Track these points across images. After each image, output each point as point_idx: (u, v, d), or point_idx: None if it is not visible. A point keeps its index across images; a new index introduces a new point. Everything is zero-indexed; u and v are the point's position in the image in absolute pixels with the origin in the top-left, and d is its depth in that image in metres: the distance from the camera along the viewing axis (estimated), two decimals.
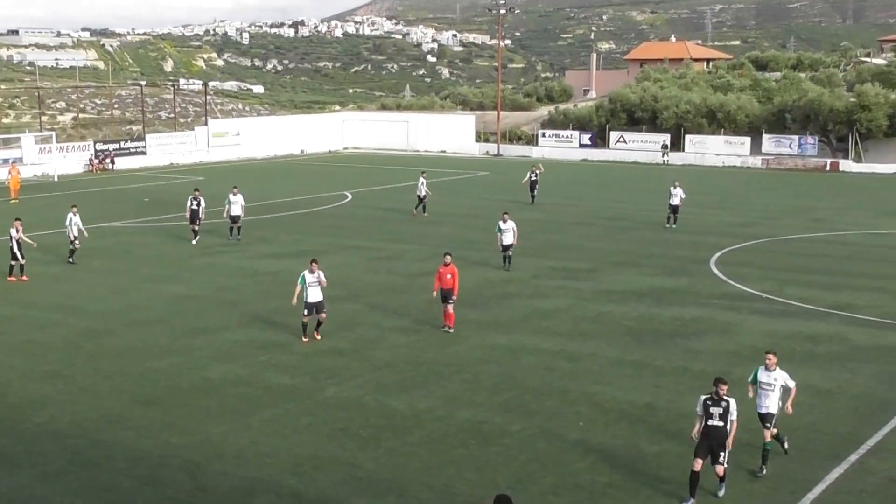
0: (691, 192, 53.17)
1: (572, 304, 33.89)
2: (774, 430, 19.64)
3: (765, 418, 19.62)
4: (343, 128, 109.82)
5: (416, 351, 27.78)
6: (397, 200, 62.78)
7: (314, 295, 28.43)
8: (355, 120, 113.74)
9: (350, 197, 65.05)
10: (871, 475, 19.40)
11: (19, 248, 37.39)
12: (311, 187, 69.46)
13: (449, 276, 30.30)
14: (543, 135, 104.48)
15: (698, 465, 18.04)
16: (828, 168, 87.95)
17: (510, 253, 39.40)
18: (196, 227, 46.38)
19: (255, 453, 20.16)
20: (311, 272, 28.44)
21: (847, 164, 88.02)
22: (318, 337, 28.62)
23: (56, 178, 75.02)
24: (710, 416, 18.15)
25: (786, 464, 19.82)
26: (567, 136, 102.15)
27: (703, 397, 18.48)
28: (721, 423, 18.13)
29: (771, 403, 19.64)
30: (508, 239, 39.15)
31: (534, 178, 61.25)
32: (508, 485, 18.61)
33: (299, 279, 28.52)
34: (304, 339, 28.44)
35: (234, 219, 46.86)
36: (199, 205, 46.33)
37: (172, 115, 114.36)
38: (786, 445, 20.03)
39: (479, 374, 25.80)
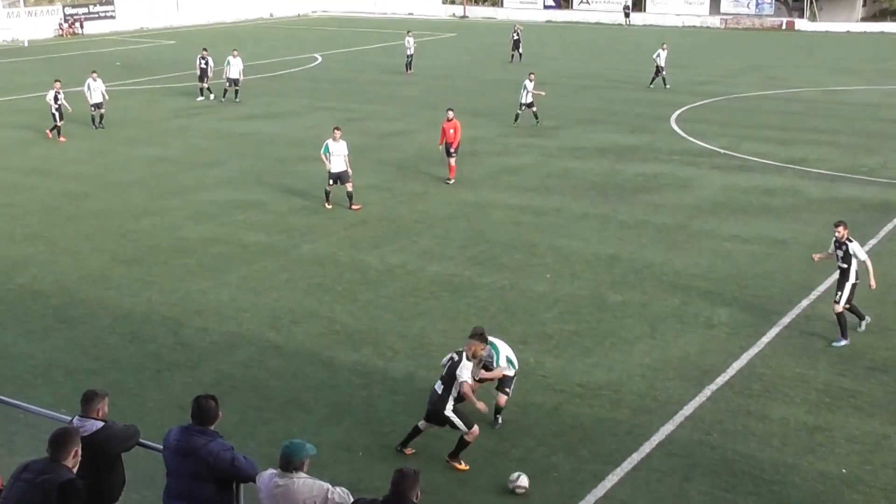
0: (652, 53, 52.61)
1: (538, 161, 33.74)
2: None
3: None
4: None
5: (388, 208, 27.63)
6: (367, 62, 61.92)
7: (337, 165, 27.44)
8: None
9: (320, 59, 64.04)
10: (821, 319, 19.58)
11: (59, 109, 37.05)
12: (281, 50, 68.26)
13: (452, 131, 30.37)
14: None
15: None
16: (784, 27, 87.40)
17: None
18: (204, 86, 46.52)
19: (234, 309, 20.11)
20: (335, 140, 27.53)
21: (802, 23, 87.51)
22: (355, 208, 27.45)
23: (27, 44, 73.26)
24: (837, 257, 18.75)
25: (742, 310, 20.01)
26: None
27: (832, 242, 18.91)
28: (845, 266, 18.53)
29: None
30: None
31: (516, 38, 62.11)
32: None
33: (322, 149, 27.82)
34: (326, 206, 27.65)
35: (233, 81, 46.35)
36: (206, 64, 46.39)
37: None
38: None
39: (450, 229, 25.74)
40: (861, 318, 18.81)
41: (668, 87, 50.18)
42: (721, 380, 16.88)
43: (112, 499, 9.98)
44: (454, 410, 13.62)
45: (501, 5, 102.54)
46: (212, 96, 46.73)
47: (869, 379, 16.96)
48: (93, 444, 9.48)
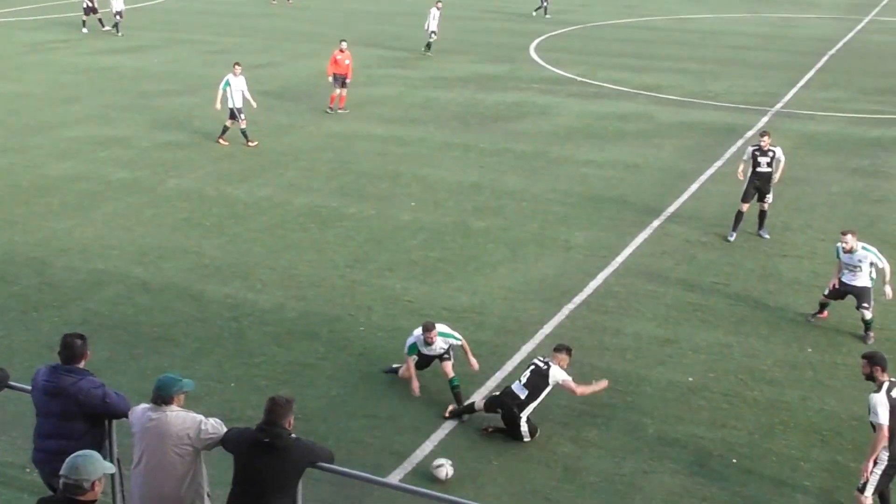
0: None
1: (402, 92, 33.72)
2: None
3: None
4: None
5: (255, 141, 27.27)
6: None
7: (238, 100, 26.86)
8: None
9: None
10: (670, 238, 20.32)
11: None
12: None
13: (347, 62, 30.49)
14: None
15: (744, 207, 20.20)
16: None
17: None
18: (87, 17, 45.73)
19: (101, 246, 19.71)
20: (235, 75, 26.86)
21: None
22: (252, 144, 26.91)
23: None
24: (757, 164, 20.03)
25: (598, 232, 20.54)
26: None
27: (751, 148, 20.38)
28: (769, 170, 20.10)
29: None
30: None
31: None
32: (347, 264, 18.80)
33: (222, 84, 27.02)
34: (221, 142, 27.03)
35: (118, 13, 45.21)
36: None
37: None
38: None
39: (316, 161, 25.63)
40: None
41: (548, 17, 50.39)
42: (578, 299, 17.37)
43: None
44: (527, 420, 13.00)
45: None
46: (106, 27, 45.73)
47: (713, 294, 17.66)
48: None
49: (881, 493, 11.12)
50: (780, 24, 50.14)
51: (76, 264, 18.82)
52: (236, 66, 27.29)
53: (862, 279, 16.06)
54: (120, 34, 44.90)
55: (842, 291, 16.33)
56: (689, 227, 20.90)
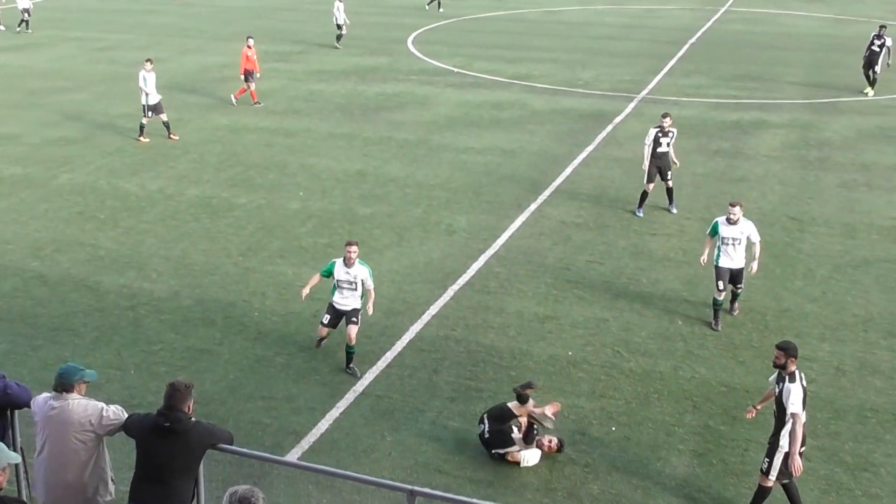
0: None
1: (286, 85, 33.40)
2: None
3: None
4: None
5: (144, 135, 26.71)
6: None
7: (154, 96, 26.21)
8: None
9: None
10: (547, 219, 20.62)
11: None
12: None
13: (255, 58, 30.28)
14: None
15: (650, 187, 20.79)
16: None
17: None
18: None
19: None
20: (148, 71, 26.08)
21: None
22: (174, 138, 26.32)
23: None
24: (659, 144, 20.53)
25: (479, 215, 20.71)
26: None
27: (653, 129, 20.76)
28: (667, 150, 20.67)
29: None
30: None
31: None
32: (239, 252, 18.63)
33: (140, 81, 26.19)
34: (142, 139, 26.09)
35: (25, 10, 43.83)
36: None
37: None
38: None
39: (205, 153, 25.26)
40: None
41: (441, 10, 50.40)
42: (462, 280, 17.53)
43: None
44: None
45: None
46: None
47: (589, 272, 18.00)
48: None
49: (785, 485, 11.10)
50: (642, 14, 51.03)
51: None
52: (147, 63, 26.55)
53: (739, 257, 15.78)
54: (30, 31, 43.51)
55: (730, 277, 15.86)
56: (564, 209, 21.22)
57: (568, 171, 23.89)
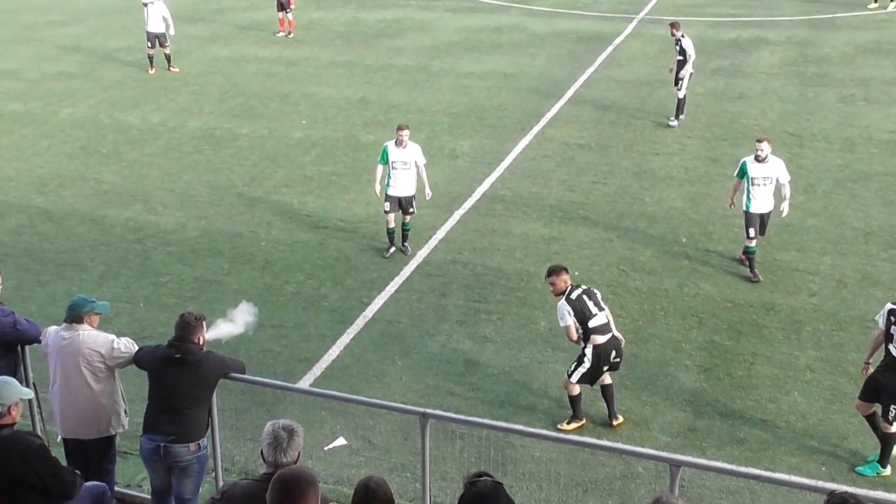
0: None
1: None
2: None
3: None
4: None
5: (144, 68, 26.35)
6: None
7: (156, 25, 25.49)
8: None
9: None
10: (550, 142, 20.38)
11: None
12: None
13: None
14: None
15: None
16: None
17: None
18: None
19: None
20: (154, 3, 25.33)
21: None
22: (174, 70, 25.74)
23: None
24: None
25: (482, 139, 20.48)
26: None
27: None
28: (681, 58, 20.74)
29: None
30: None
31: None
32: (244, 182, 18.45)
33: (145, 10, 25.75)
34: (151, 71, 25.58)
35: None
36: None
37: None
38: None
39: (206, 85, 24.93)
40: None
41: None
42: (468, 204, 17.35)
43: None
44: None
45: None
46: None
47: (592, 192, 17.80)
48: None
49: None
50: None
51: None
52: None
53: (768, 198, 14.40)
54: None
55: (760, 223, 14.55)
56: (566, 131, 20.95)
57: (569, 93, 23.56)
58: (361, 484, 5.93)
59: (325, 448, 10.84)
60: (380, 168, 15.30)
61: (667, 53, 26.91)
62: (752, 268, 14.70)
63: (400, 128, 15.21)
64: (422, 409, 8.18)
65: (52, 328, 8.77)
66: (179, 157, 19.91)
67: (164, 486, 8.65)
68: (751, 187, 14.48)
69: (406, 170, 15.04)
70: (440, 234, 16.19)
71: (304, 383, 12.00)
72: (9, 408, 6.96)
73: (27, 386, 8.79)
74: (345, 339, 13.11)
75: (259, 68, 26.35)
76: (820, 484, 7.41)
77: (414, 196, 15.25)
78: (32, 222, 16.96)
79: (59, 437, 8.97)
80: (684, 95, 21.15)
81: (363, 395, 11.01)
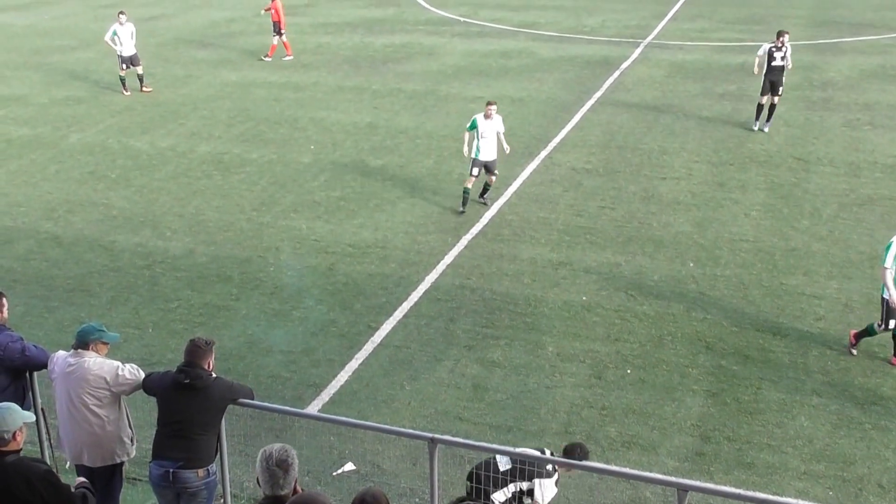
0: None
1: (293, 39, 32.94)
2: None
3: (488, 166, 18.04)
4: None
5: (153, 92, 26.54)
6: None
7: (128, 49, 26.04)
8: None
9: None
10: (557, 166, 20.42)
11: None
12: None
13: (273, 11, 30.08)
14: None
15: (764, 99, 22.29)
16: None
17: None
18: None
19: (7, 204, 19.00)
20: (121, 24, 25.91)
21: None
22: (147, 90, 26.00)
23: None
24: (772, 58, 22.00)
25: None
26: None
27: (767, 45, 22.34)
28: (782, 63, 22.02)
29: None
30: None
31: None
32: (253, 207, 18.50)
33: (109, 34, 26.13)
34: (125, 92, 26.26)
35: None
36: None
37: None
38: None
39: (215, 109, 25.05)
40: None
41: None
42: (475, 229, 17.37)
43: None
44: None
45: None
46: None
47: (600, 217, 17.83)
48: None
49: None
50: None
51: None
52: (121, 15, 26.48)
53: None
54: None
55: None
56: (573, 156, 21.01)
57: (577, 118, 23.63)
58: (359, 496, 6.00)
59: (334, 473, 10.85)
60: (467, 134, 18.11)
61: (673, 77, 27.09)
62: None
63: (489, 103, 18.00)
64: (430, 435, 8.17)
65: (61, 353, 8.79)
66: (188, 182, 20.00)
67: None
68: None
69: (493, 139, 17.88)
70: (448, 259, 16.21)
71: (313, 409, 11.99)
72: (13, 433, 6.95)
73: (35, 412, 8.83)
74: (353, 365, 13.12)
75: (268, 93, 26.48)
76: None
77: (496, 160, 18.07)
78: (41, 248, 17.02)
79: (68, 462, 8.99)
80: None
81: (372, 421, 11.03)
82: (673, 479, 8.08)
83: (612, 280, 15.40)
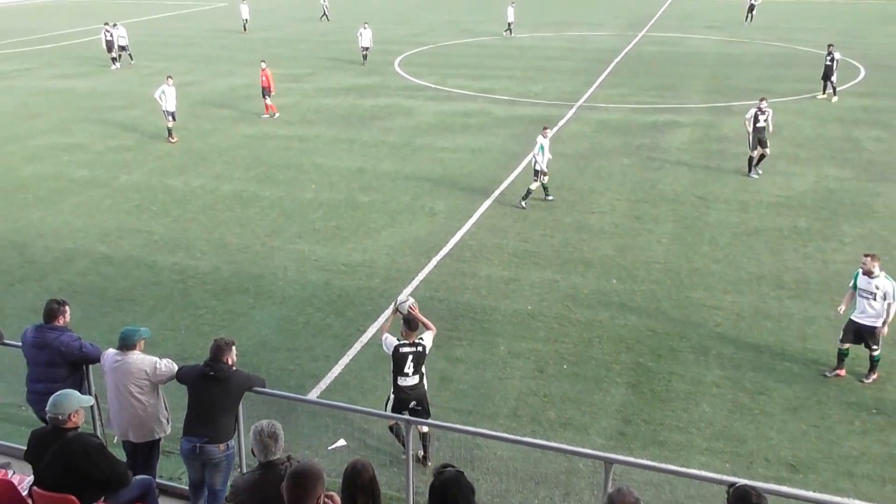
0: (379, 17, 51.70)
1: (299, 100, 33.00)
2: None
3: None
4: None
5: (186, 143, 26.39)
6: (157, 29, 58.08)
7: (171, 104, 25.80)
8: None
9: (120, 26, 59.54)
10: (509, 203, 20.44)
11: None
12: (84, 21, 62.80)
13: (263, 78, 29.68)
14: None
15: (755, 153, 22.10)
16: None
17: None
18: (113, 55, 41.42)
19: (69, 230, 18.84)
20: (169, 86, 25.93)
21: None
22: (173, 141, 25.87)
23: None
24: (758, 120, 21.85)
25: (454, 200, 20.52)
26: None
27: (752, 109, 22.06)
28: (765, 125, 21.85)
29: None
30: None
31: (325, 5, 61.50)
32: (266, 234, 18.40)
33: (158, 92, 26.02)
34: (171, 140, 25.83)
35: (122, 47, 41.83)
36: (112, 35, 41.31)
37: None
38: None
39: (236, 156, 24.92)
40: None
41: (511, 35, 51.28)
42: (443, 252, 17.36)
43: None
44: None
45: None
46: (116, 65, 41.33)
47: (542, 243, 17.87)
48: None
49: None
50: (578, 39, 50.69)
51: (51, 245, 17.96)
52: (169, 78, 26.41)
53: (873, 314, 12.06)
54: (133, 63, 41.91)
55: (857, 333, 12.29)
56: (521, 195, 21.02)
57: (523, 164, 23.68)
58: (350, 465, 5.98)
59: (329, 448, 10.76)
60: (539, 156, 19.58)
61: (600, 132, 27.26)
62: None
63: (545, 128, 20.15)
64: (407, 417, 8.14)
65: (111, 351, 8.72)
66: (214, 213, 19.87)
67: (199, 479, 8.57)
68: (858, 298, 12.26)
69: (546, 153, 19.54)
70: (421, 275, 16.19)
71: (313, 395, 11.92)
72: (69, 415, 6.96)
73: (89, 395, 8.73)
74: (345, 360, 13.05)
75: (278, 143, 26.38)
76: (724, 478, 7.40)
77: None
78: (96, 266, 16.86)
79: (116, 438, 8.88)
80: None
81: (360, 406, 10.96)
82: (600, 453, 8.06)
83: (552, 293, 15.43)
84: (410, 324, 10.24)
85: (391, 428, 10.54)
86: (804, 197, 20.77)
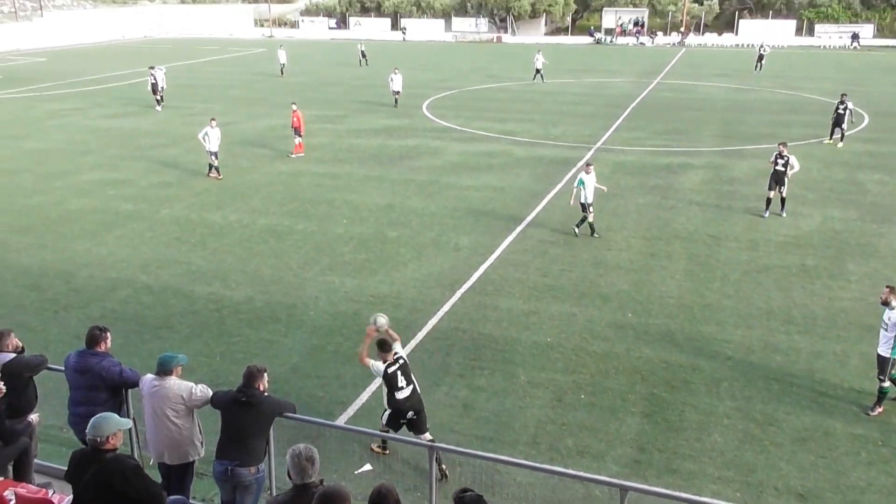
0: (409, 63, 52.28)
1: (332, 140, 33.27)
2: None
3: None
4: (153, 19, 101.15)
5: (225, 179, 26.60)
6: (201, 72, 58.97)
7: (214, 145, 26.23)
8: (167, 14, 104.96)
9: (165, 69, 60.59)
10: (530, 239, 20.40)
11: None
12: (134, 63, 63.94)
13: (294, 119, 29.80)
14: (303, 20, 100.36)
15: (771, 193, 22.13)
16: (495, 40, 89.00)
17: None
18: (157, 97, 41.95)
19: (113, 260, 19.00)
20: (212, 127, 26.19)
21: (507, 38, 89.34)
22: (216, 177, 26.30)
23: None
24: (777, 163, 21.91)
25: (478, 236, 20.50)
26: (319, 21, 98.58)
27: (774, 153, 22.21)
28: (783, 169, 21.84)
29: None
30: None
31: (363, 51, 63.49)
32: (298, 266, 18.45)
33: (202, 133, 26.62)
34: (213, 176, 26.14)
35: (161, 89, 42.18)
36: (156, 78, 41.88)
37: (13, 10, 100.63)
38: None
39: (271, 192, 25.10)
40: None
41: (545, 82, 51.36)
42: (467, 285, 17.31)
43: (28, 410, 9.37)
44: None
45: (298, 27, 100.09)
46: (159, 107, 41.55)
47: (561, 277, 17.78)
48: (9, 371, 8.87)
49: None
50: (596, 86, 50.90)
51: (95, 274, 18.10)
52: (212, 120, 26.81)
53: (881, 342, 12.03)
54: (159, 107, 41.89)
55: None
56: (541, 231, 21.01)
57: (544, 202, 23.69)
58: (375, 489, 5.91)
59: (356, 472, 10.67)
60: (576, 190, 20.28)
61: (616, 173, 27.21)
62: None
63: (588, 164, 20.63)
64: (427, 443, 8.05)
65: (149, 376, 8.73)
66: (250, 246, 19.97)
67: (231, 500, 8.52)
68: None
69: (591, 186, 20.07)
70: (445, 308, 16.13)
71: (341, 421, 11.85)
72: (108, 437, 6.91)
73: (128, 419, 8.72)
74: (372, 387, 12.97)
75: (311, 180, 26.56)
76: None
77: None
78: (137, 294, 16.96)
79: (152, 460, 8.86)
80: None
81: (387, 433, 10.84)
82: (616, 480, 7.92)
83: (570, 326, 15.31)
84: (384, 345, 10.61)
85: (384, 430, 10.66)
86: (811, 236, 20.57)
